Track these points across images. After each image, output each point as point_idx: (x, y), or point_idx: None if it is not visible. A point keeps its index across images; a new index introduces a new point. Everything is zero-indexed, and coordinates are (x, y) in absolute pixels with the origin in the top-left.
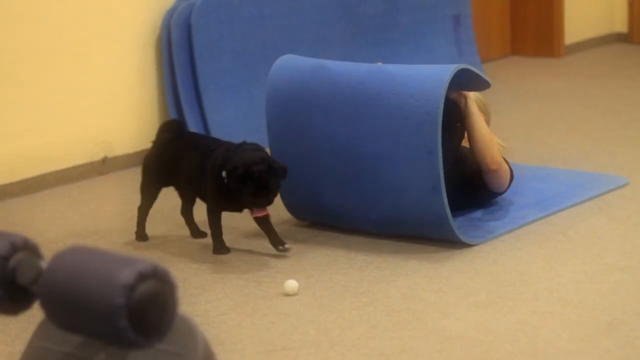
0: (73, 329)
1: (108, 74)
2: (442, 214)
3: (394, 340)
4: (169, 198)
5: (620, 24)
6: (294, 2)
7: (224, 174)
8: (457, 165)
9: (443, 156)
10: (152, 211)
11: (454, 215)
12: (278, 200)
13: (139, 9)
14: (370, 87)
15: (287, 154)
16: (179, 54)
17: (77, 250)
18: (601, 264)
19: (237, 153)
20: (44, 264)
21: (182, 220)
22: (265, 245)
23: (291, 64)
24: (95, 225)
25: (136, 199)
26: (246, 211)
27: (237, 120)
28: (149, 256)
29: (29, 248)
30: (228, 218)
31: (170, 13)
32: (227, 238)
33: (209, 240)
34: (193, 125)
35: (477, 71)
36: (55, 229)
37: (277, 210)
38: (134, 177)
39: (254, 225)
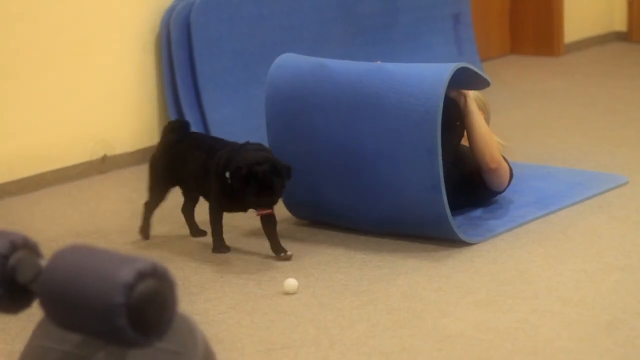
0: (72, 327)
1: (107, 73)
2: (441, 212)
3: (394, 339)
4: (169, 197)
5: (619, 23)
6: (294, 2)
7: (227, 174)
8: (457, 164)
9: (442, 155)
10: None
11: (453, 214)
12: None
13: (138, 7)
14: (370, 86)
15: (286, 153)
16: (179, 53)
17: (76, 249)
18: (601, 262)
19: (240, 153)
20: (43, 262)
21: (181, 219)
22: (265, 244)
23: (291, 62)
24: (95, 224)
25: (136, 198)
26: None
27: (236, 119)
28: (149, 255)
29: (29, 247)
30: (228, 217)
31: (170, 12)
32: (227, 237)
33: (208, 239)
34: (192, 124)
35: (476, 70)
36: (54, 228)
37: (277, 209)
38: (134, 175)
39: (253, 224)
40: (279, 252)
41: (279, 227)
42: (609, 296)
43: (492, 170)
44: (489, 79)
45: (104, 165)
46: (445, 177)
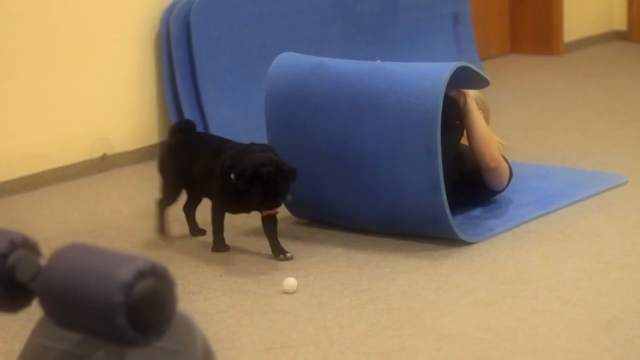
0: (72, 326)
1: (107, 72)
2: (441, 211)
3: (394, 338)
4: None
5: (619, 22)
6: (293, 1)
7: (232, 175)
8: (457, 163)
9: (442, 154)
10: (151, 209)
11: (453, 213)
12: None
13: (137, 7)
14: (370, 85)
15: (286, 152)
16: (178, 52)
17: (76, 247)
18: (600, 262)
19: (246, 154)
20: (43, 261)
21: (181, 217)
22: (265, 243)
23: (290, 61)
24: (94, 222)
25: (135, 197)
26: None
27: (236, 119)
28: (148, 254)
29: (28, 245)
30: (228, 216)
31: (169, 11)
32: (227, 236)
33: (208, 238)
34: None
35: (476, 69)
36: (54, 227)
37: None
38: (133, 174)
39: (253, 224)
40: (278, 254)
41: (278, 227)
42: (608, 295)
43: (491, 169)
44: (488, 78)
45: (103, 164)
46: (444, 177)
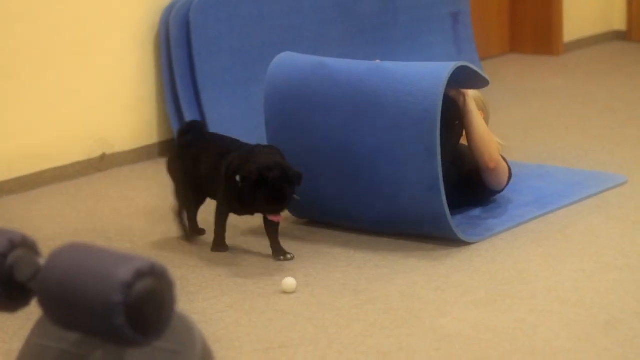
0: (71, 326)
1: (106, 72)
2: (440, 211)
3: (392, 338)
4: (167, 195)
5: (619, 22)
6: (293, 1)
7: (238, 177)
8: (456, 163)
9: (441, 154)
10: (150, 209)
11: (452, 213)
12: None
13: (137, 7)
14: (369, 85)
15: (285, 152)
16: (178, 52)
17: (74, 247)
18: (599, 262)
19: (252, 157)
20: (41, 261)
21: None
22: (264, 243)
23: (290, 61)
24: (93, 222)
25: (134, 196)
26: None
27: (235, 118)
28: (147, 254)
29: (27, 245)
30: (229, 216)
31: (169, 10)
32: (227, 236)
33: (207, 238)
34: None
35: (475, 69)
36: (52, 227)
37: None
38: (133, 174)
39: (253, 224)
40: (278, 255)
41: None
42: (607, 296)
43: (490, 169)
44: (488, 78)
45: (102, 163)
46: (444, 177)
